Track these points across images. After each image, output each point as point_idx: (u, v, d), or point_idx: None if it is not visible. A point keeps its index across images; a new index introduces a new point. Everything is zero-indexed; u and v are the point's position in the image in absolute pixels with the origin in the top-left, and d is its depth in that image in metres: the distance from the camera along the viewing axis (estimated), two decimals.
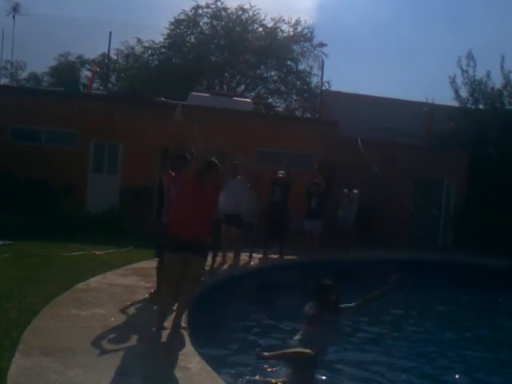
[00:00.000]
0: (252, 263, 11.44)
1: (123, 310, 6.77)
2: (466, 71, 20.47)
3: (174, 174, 7.62)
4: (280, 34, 31.43)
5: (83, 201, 16.11)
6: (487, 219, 16.09)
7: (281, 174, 12.43)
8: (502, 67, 20.24)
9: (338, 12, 52.30)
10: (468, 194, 17.75)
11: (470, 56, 20.28)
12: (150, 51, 31.12)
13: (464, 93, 20.74)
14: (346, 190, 14.59)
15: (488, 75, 20.49)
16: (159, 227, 7.57)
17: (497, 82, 20.73)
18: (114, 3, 42.60)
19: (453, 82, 20.62)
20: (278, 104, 32.04)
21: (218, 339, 6.91)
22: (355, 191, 14.65)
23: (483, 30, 44.08)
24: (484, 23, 46.26)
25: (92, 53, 32.21)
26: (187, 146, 7.97)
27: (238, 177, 10.84)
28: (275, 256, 12.18)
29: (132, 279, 8.76)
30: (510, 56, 20.75)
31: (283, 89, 32.28)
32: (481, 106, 20.81)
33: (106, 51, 25.79)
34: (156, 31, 30.34)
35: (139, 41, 30.89)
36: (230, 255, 11.00)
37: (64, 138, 16.74)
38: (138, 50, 31.46)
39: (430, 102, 21.21)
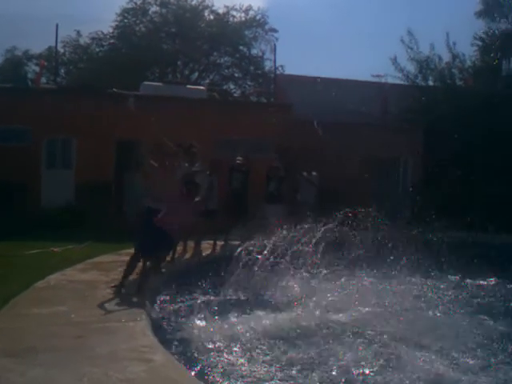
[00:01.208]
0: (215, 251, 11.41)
1: (84, 306, 6.66)
2: (411, 48, 20.62)
3: None
4: (232, 20, 31.27)
5: (38, 197, 15.79)
6: (444, 194, 16.38)
7: (239, 160, 12.37)
8: (447, 42, 20.52)
9: None
10: (424, 170, 18.07)
11: (412, 32, 20.44)
12: (98, 42, 30.52)
13: (412, 69, 20.94)
14: (305, 173, 14.64)
15: (432, 48, 20.69)
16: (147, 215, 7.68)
17: (443, 58, 21.02)
18: None
19: (395, 62, 20.72)
20: (233, 90, 31.96)
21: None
22: (314, 173, 14.72)
23: (428, 7, 44.70)
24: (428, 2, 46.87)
25: (38, 47, 31.44)
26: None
27: (196, 165, 10.75)
28: (237, 242, 12.14)
29: (92, 274, 8.62)
30: (454, 33, 20.99)
31: (237, 75, 32.18)
32: (430, 83, 21.06)
33: (53, 45, 25.26)
34: (104, 23, 29.90)
35: (79, 33, 30.26)
36: (191, 244, 10.94)
37: (15, 134, 16.31)
38: (84, 42, 30.81)
39: (383, 81, 21.34)
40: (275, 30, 30.90)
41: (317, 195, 14.56)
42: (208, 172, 11.10)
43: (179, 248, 10.39)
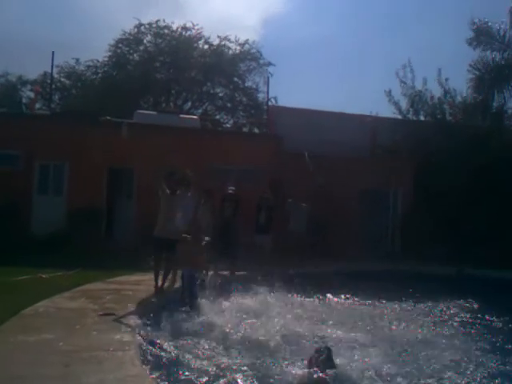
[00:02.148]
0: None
1: (72, 334, 6.62)
2: (405, 82, 20.98)
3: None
4: (226, 52, 31.56)
5: (28, 223, 15.74)
6: (432, 227, 16.47)
7: (231, 190, 12.45)
8: (439, 78, 20.92)
9: (283, 28, 52.90)
10: (413, 203, 18.20)
11: (407, 66, 20.86)
12: (93, 70, 30.70)
13: (404, 104, 21.27)
14: (290, 200, 14.59)
15: (425, 83, 21.07)
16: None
17: (435, 92, 21.39)
18: (53, 23, 41.83)
19: (389, 95, 21.07)
20: (226, 120, 32.16)
21: None
22: (304, 205, 14.77)
23: (419, 43, 45.37)
24: (420, 36, 47.61)
25: (32, 73, 31.47)
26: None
27: (189, 194, 10.81)
28: (226, 272, 12.13)
29: (80, 302, 8.56)
30: (446, 68, 21.35)
31: (230, 105, 32.37)
32: (421, 117, 21.36)
33: (48, 71, 25.43)
34: (98, 51, 30.03)
35: (77, 61, 30.46)
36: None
37: (7, 159, 16.33)
38: (79, 69, 30.96)
39: (374, 114, 21.56)
40: (271, 64, 31.12)
41: (309, 224, 14.54)
42: (203, 200, 11.15)
43: (169, 276, 10.38)
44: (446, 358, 6.80)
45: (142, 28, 30.75)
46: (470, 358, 6.83)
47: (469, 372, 6.38)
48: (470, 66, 20.61)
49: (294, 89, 43.14)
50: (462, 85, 21.17)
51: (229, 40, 31.39)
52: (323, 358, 5.75)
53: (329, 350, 5.98)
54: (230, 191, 12.40)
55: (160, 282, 9.82)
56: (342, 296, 10.44)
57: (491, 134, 18.94)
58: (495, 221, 16.90)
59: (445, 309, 9.89)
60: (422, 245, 15.89)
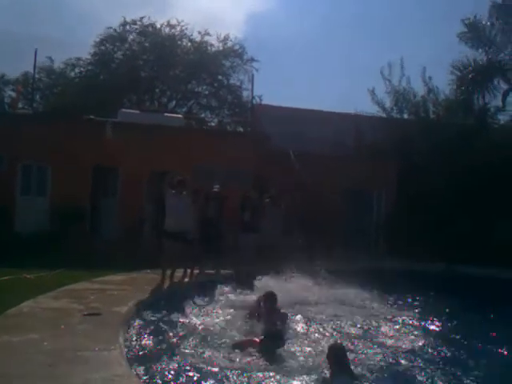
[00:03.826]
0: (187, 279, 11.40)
1: (57, 334, 6.60)
2: (389, 80, 21.06)
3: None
4: (209, 49, 31.46)
5: (12, 223, 15.61)
6: (415, 227, 16.54)
7: (216, 188, 12.47)
8: (423, 76, 20.99)
9: (267, 26, 52.92)
10: (397, 203, 18.27)
11: (392, 65, 20.92)
12: (76, 68, 30.43)
13: (388, 102, 21.35)
14: (267, 200, 14.38)
15: (408, 81, 21.15)
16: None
17: (419, 91, 21.50)
18: (35, 19, 41.38)
19: (373, 94, 21.14)
20: (210, 119, 32.07)
21: None
22: (281, 206, 14.55)
23: (404, 42, 45.56)
24: (405, 36, 47.92)
25: (13, 71, 31.10)
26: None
27: (184, 193, 10.84)
28: (211, 271, 12.15)
29: (65, 302, 8.53)
30: (428, 66, 21.36)
31: (215, 103, 32.28)
32: (405, 116, 21.44)
33: (29, 69, 25.25)
34: (82, 48, 29.74)
35: (50, 59, 30.13)
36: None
37: None
38: (59, 67, 30.68)
39: (358, 113, 21.59)
40: (255, 60, 31.03)
41: (285, 225, 14.29)
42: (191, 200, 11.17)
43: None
44: None
45: (128, 27, 30.57)
46: None
47: None
48: (452, 66, 20.70)
49: (278, 87, 43.18)
50: (444, 83, 21.33)
51: (209, 34, 31.27)
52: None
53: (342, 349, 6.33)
54: (215, 189, 12.42)
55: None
56: None
57: (474, 132, 19.06)
58: (479, 220, 17.03)
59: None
60: (405, 244, 15.94)
